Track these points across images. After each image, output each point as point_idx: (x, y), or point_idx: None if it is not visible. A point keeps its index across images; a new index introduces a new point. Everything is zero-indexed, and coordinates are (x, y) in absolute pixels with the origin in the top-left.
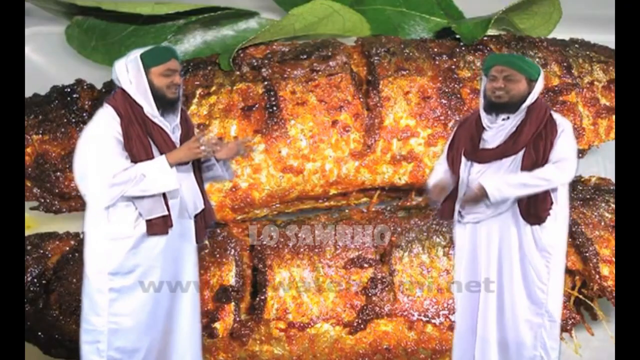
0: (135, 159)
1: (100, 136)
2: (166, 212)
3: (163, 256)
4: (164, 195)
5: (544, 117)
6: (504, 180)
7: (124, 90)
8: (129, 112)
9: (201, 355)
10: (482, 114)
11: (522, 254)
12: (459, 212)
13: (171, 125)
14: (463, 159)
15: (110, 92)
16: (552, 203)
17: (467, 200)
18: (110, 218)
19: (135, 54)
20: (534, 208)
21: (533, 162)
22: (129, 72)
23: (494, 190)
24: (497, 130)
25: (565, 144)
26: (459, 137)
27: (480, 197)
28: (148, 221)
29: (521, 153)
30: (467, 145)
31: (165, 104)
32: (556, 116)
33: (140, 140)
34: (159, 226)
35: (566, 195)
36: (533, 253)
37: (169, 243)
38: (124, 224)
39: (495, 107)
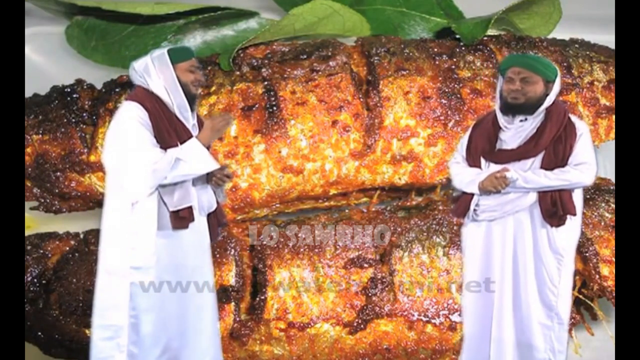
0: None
1: (132, 127)
2: (193, 203)
3: (182, 252)
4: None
5: (564, 120)
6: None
7: (144, 89)
8: (156, 107)
9: (222, 356)
10: (499, 114)
11: (537, 255)
12: (474, 210)
13: (190, 123)
14: (482, 159)
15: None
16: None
17: (487, 185)
18: (133, 212)
19: (160, 51)
20: (562, 209)
21: (552, 164)
22: (156, 67)
23: (514, 174)
24: (515, 131)
25: (584, 147)
26: (476, 138)
27: (501, 180)
28: (174, 213)
29: (540, 155)
30: (484, 145)
31: (189, 100)
32: (574, 119)
33: (168, 133)
34: (184, 219)
35: (581, 200)
36: (547, 255)
37: (187, 240)
38: (147, 218)
39: (512, 109)
